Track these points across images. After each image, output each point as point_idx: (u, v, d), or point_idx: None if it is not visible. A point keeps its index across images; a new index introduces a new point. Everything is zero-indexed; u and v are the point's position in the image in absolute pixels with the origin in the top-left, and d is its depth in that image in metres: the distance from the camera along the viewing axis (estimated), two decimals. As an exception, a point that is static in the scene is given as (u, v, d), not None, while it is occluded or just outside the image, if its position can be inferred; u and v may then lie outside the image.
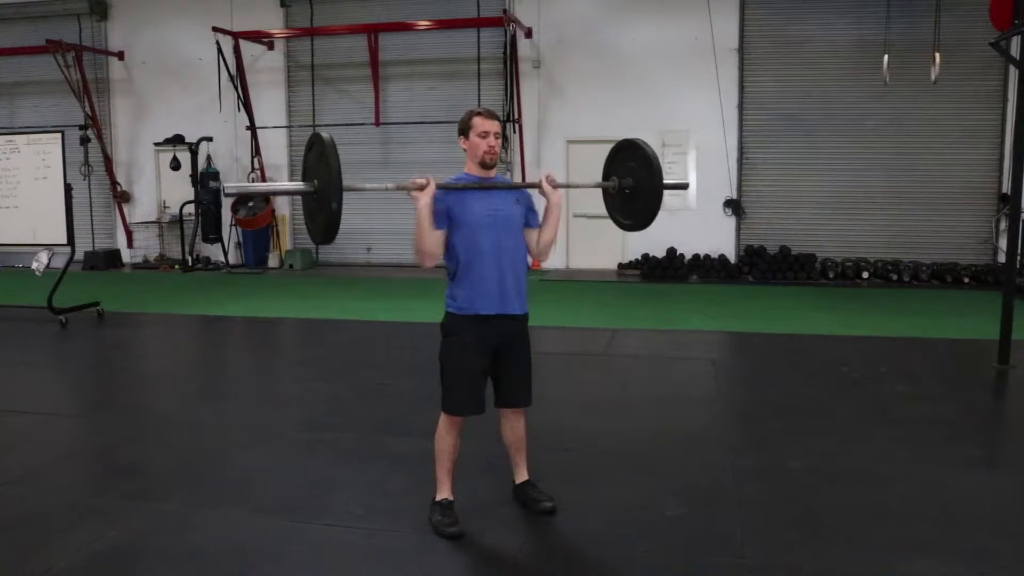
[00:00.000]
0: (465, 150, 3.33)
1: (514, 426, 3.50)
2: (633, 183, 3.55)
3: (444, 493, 3.41)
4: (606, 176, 3.69)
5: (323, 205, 2.98)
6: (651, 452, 4.38)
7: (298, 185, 3.06)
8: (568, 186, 3.55)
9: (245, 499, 3.77)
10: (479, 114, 3.30)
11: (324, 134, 3.03)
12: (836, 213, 11.86)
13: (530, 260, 3.42)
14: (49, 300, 8.31)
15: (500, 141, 3.35)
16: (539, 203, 3.44)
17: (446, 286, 3.37)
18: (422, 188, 3.16)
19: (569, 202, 12.46)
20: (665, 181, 3.47)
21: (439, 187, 3.22)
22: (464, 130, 3.31)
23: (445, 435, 3.35)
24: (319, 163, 3.03)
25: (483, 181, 3.31)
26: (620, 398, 5.59)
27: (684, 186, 4.04)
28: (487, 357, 3.32)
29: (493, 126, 3.29)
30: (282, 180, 13.54)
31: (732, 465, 4.14)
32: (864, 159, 11.68)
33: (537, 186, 3.40)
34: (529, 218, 3.40)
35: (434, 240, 3.22)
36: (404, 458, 4.23)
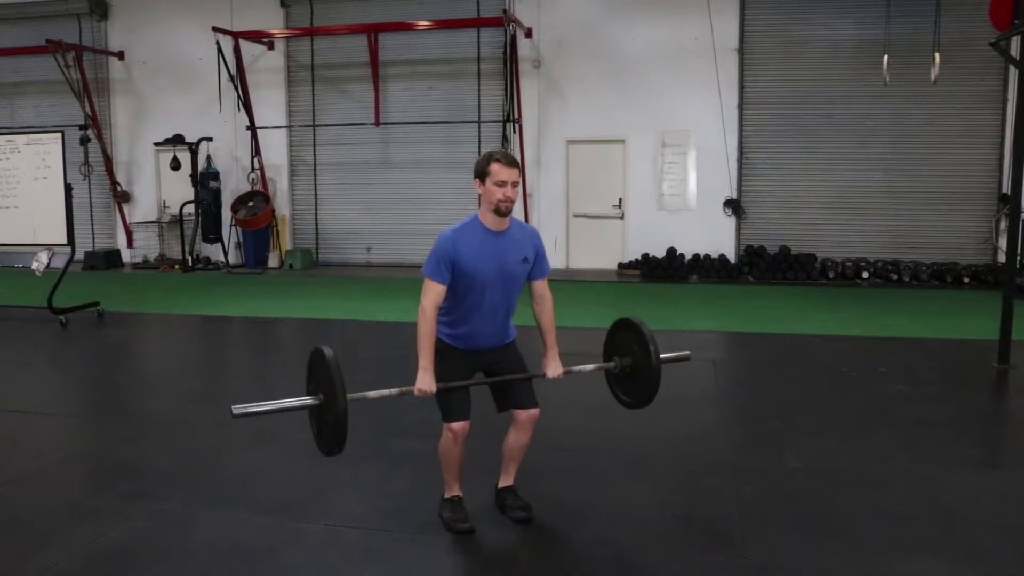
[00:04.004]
0: (480, 195, 3.26)
1: (520, 437, 3.44)
2: (632, 362, 3.50)
3: (454, 491, 3.42)
4: (607, 356, 3.66)
5: (330, 423, 2.98)
6: (651, 452, 4.39)
7: (304, 400, 3.07)
8: (569, 373, 3.51)
9: (245, 499, 3.77)
10: (498, 161, 3.20)
11: (327, 350, 2.99)
12: (836, 213, 11.86)
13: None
14: (49, 300, 8.31)
15: (517, 190, 3.24)
16: (547, 243, 3.45)
17: (440, 316, 3.34)
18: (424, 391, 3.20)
19: (569, 202, 12.49)
20: (663, 356, 3.42)
21: (452, 236, 3.21)
22: (481, 175, 3.22)
23: (450, 447, 3.32)
24: (323, 376, 3.01)
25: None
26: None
27: (686, 357, 3.91)
28: (477, 364, 3.37)
29: (511, 175, 3.18)
30: (282, 180, 13.57)
31: (732, 465, 4.14)
32: (864, 159, 11.68)
33: (541, 376, 3.43)
34: (537, 269, 3.38)
35: (436, 306, 3.24)
36: (404, 458, 4.24)
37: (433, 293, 3.23)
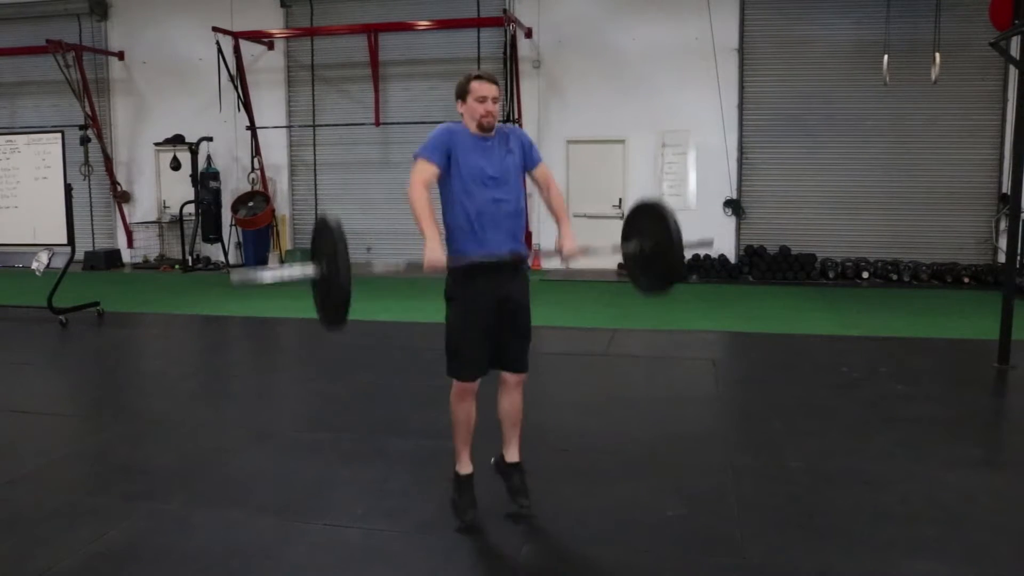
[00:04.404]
0: (462, 115, 3.28)
1: (513, 398, 3.43)
2: (653, 245, 3.38)
3: (463, 466, 3.39)
4: (625, 238, 3.54)
5: (333, 297, 2.91)
6: (651, 452, 4.38)
7: (306, 270, 2.98)
8: (585, 252, 3.36)
9: (245, 499, 3.77)
10: (477, 77, 3.24)
11: (331, 217, 2.95)
12: (836, 213, 11.86)
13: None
14: (49, 300, 8.31)
15: (499, 105, 3.29)
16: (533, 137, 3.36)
17: (444, 240, 3.29)
18: (435, 269, 3.08)
19: (569, 202, 12.47)
20: (686, 240, 3.32)
21: (447, 127, 3.21)
22: (462, 94, 3.26)
23: (458, 403, 3.28)
24: (326, 247, 2.94)
25: (487, 259, 3.21)
26: (620, 398, 5.59)
27: (709, 243, 3.79)
28: (490, 314, 3.26)
29: (491, 90, 3.23)
30: (282, 180, 13.58)
31: (732, 465, 4.14)
32: (864, 159, 11.68)
33: (555, 254, 3.35)
34: (529, 158, 3.35)
35: (426, 185, 3.16)
36: (404, 458, 4.23)
37: (425, 172, 3.17)
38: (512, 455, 3.55)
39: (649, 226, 3.41)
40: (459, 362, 3.25)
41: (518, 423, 3.51)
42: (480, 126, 3.23)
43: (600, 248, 3.52)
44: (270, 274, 2.90)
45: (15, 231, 8.70)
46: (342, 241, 2.84)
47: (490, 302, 3.24)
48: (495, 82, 3.27)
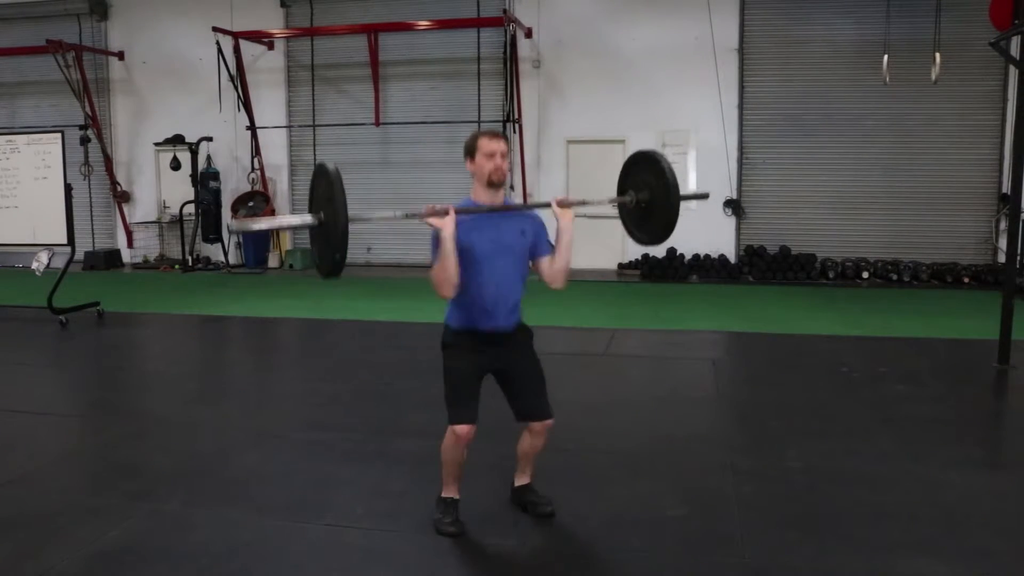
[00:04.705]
0: (472, 173, 3.28)
1: (535, 443, 3.44)
2: (649, 197, 3.43)
3: (449, 492, 3.41)
4: (621, 190, 3.56)
5: (331, 242, 2.92)
6: (651, 452, 4.38)
7: (304, 218, 2.98)
8: (582, 203, 3.38)
9: (245, 499, 3.77)
10: (484, 135, 3.25)
11: (329, 164, 2.96)
12: (836, 213, 11.86)
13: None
14: (49, 300, 8.31)
15: (507, 161, 3.28)
16: (551, 226, 3.31)
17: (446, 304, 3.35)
18: (440, 216, 3.06)
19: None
20: (683, 192, 3.36)
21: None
22: (470, 152, 3.26)
23: (452, 448, 3.29)
24: (324, 195, 2.95)
25: (492, 206, 3.24)
26: (620, 398, 5.59)
27: (704, 196, 3.85)
28: (486, 368, 3.31)
29: (499, 146, 3.22)
30: (282, 180, 13.58)
31: (732, 465, 4.14)
32: (864, 159, 11.68)
33: (547, 206, 3.31)
34: (539, 247, 3.31)
35: (456, 269, 3.11)
36: (404, 458, 4.23)
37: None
38: (522, 480, 3.59)
39: (645, 178, 3.45)
40: (457, 409, 3.24)
41: (534, 460, 3.55)
42: (489, 183, 3.22)
43: (598, 201, 3.55)
44: (267, 221, 2.92)
45: (15, 231, 8.69)
46: (339, 185, 2.86)
47: (485, 358, 3.29)
48: (502, 138, 3.29)
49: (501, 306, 3.24)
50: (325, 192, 2.92)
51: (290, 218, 2.98)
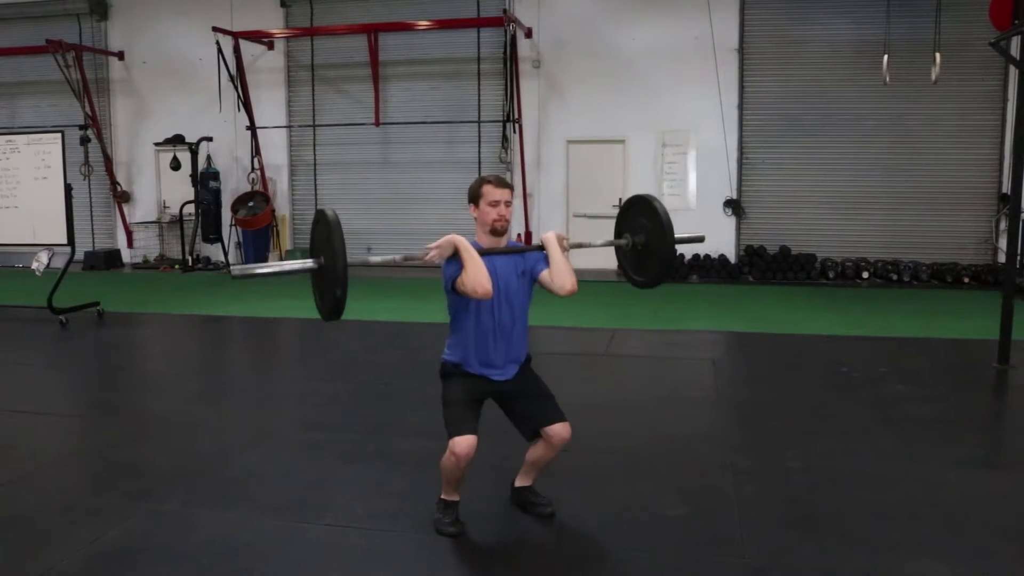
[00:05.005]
0: (476, 218, 3.28)
1: (547, 455, 3.41)
2: (645, 240, 3.47)
3: (450, 495, 3.41)
4: (618, 233, 3.62)
5: (330, 283, 2.95)
6: (651, 452, 4.39)
7: (305, 263, 3.02)
8: (580, 246, 3.41)
9: (245, 499, 3.77)
10: (489, 183, 3.25)
11: (329, 211, 2.98)
12: (836, 213, 11.85)
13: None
14: (49, 300, 8.31)
15: (511, 210, 3.29)
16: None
17: (447, 338, 3.37)
18: (439, 246, 3.11)
19: (569, 202, 12.48)
20: (678, 236, 3.39)
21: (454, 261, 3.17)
22: (474, 198, 3.27)
23: (453, 467, 3.24)
24: (324, 239, 2.97)
25: (492, 248, 3.25)
26: (620, 398, 5.59)
27: (700, 239, 3.88)
28: (486, 397, 3.33)
29: (504, 195, 3.23)
30: (282, 180, 13.58)
31: (732, 465, 4.14)
32: (864, 159, 11.68)
33: (541, 248, 3.31)
34: (537, 268, 3.30)
35: (483, 264, 3.10)
36: (404, 458, 4.24)
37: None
38: (524, 481, 3.57)
39: (641, 221, 3.50)
40: (459, 427, 3.20)
41: (542, 470, 3.53)
42: (493, 231, 3.24)
43: (593, 244, 3.61)
44: (268, 267, 2.95)
45: (15, 231, 8.69)
46: (339, 233, 2.89)
47: (486, 392, 3.31)
48: (508, 186, 3.29)
49: (505, 353, 3.28)
50: (325, 238, 2.95)
51: (291, 264, 3.02)
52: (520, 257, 3.34)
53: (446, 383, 3.35)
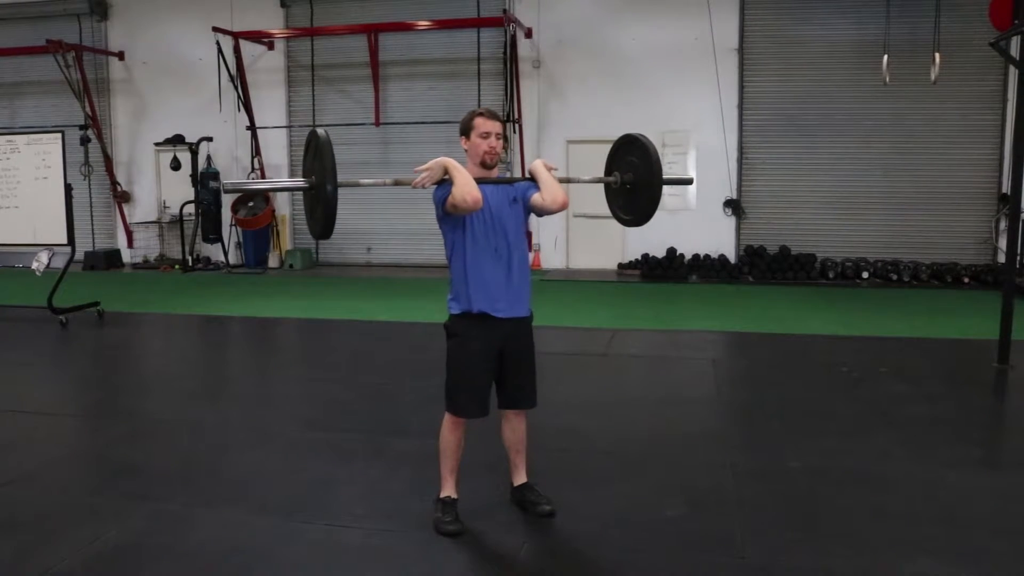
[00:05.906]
0: (467, 151, 3.33)
1: (515, 427, 3.50)
2: (634, 178, 3.55)
3: (448, 491, 3.42)
4: (608, 171, 3.70)
5: (320, 197, 3.00)
6: (651, 452, 4.38)
7: (296, 181, 3.10)
8: (568, 181, 3.49)
9: (245, 499, 3.77)
10: (480, 114, 3.31)
11: (320, 131, 3.04)
12: (836, 213, 11.86)
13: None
14: (49, 300, 8.31)
15: (501, 142, 3.35)
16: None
17: (448, 288, 3.37)
18: (429, 168, 3.15)
19: (569, 202, 12.44)
20: (666, 176, 3.48)
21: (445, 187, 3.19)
22: (466, 130, 3.31)
23: (449, 435, 3.35)
24: (315, 159, 3.05)
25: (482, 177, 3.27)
26: (620, 398, 5.59)
27: (688, 181, 4.09)
28: (492, 360, 3.32)
29: (494, 127, 3.29)
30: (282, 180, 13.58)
31: (732, 465, 4.14)
32: (864, 159, 11.68)
33: (530, 179, 3.36)
34: (529, 191, 3.34)
35: (472, 179, 3.12)
36: (405, 458, 4.23)
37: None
38: (519, 478, 3.58)
39: (631, 159, 3.57)
40: (458, 402, 3.29)
41: (523, 449, 3.55)
42: (483, 163, 3.29)
43: (581, 179, 3.77)
44: (261, 183, 3.05)
45: (15, 231, 8.68)
46: (329, 151, 2.95)
47: (491, 348, 3.30)
48: (498, 119, 3.35)
49: (510, 286, 3.27)
50: (317, 158, 3.02)
51: (283, 181, 3.13)
52: (510, 186, 3.38)
53: (452, 344, 3.32)
